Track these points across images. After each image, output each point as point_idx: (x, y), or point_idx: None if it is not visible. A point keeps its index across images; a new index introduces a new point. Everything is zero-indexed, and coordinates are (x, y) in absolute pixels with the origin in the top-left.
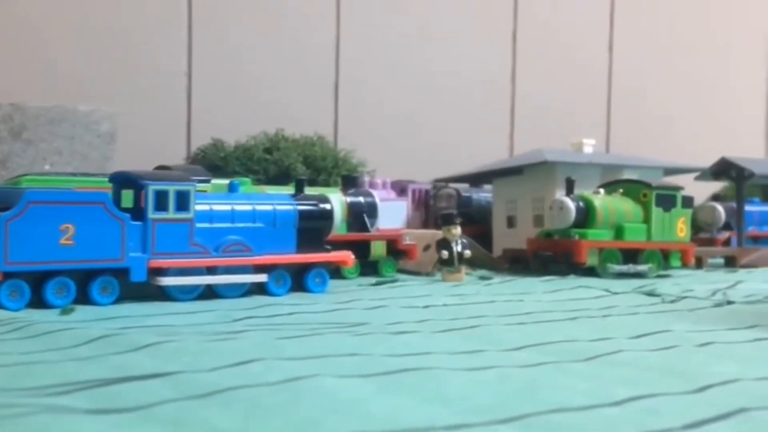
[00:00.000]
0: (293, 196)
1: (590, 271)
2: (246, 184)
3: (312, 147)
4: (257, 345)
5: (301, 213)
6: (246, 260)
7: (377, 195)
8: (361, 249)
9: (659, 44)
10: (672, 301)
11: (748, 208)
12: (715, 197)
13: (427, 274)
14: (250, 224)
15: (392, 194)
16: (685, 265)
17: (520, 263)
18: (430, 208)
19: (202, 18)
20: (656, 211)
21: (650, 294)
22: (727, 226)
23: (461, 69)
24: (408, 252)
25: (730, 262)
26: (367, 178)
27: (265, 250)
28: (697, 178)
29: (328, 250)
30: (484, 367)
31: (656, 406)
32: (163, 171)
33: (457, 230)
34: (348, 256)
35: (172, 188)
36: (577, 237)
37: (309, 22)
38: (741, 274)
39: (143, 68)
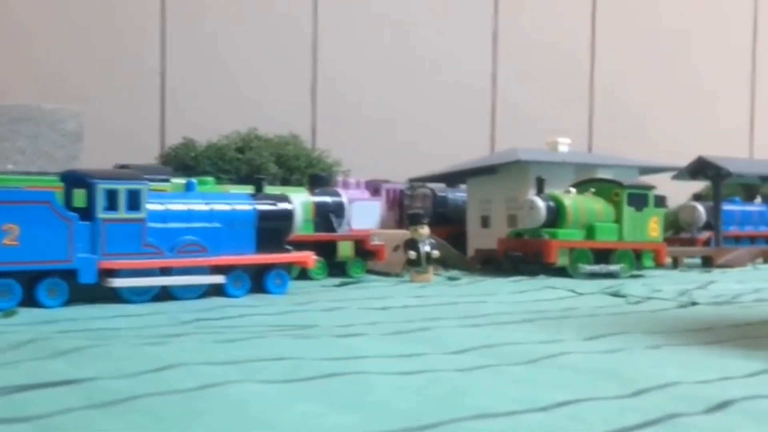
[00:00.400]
0: (253, 195)
1: (562, 272)
2: (209, 184)
3: (285, 146)
4: (188, 349)
5: (261, 213)
6: (201, 261)
7: (347, 195)
8: (328, 249)
9: (641, 45)
10: (636, 303)
11: (728, 207)
12: (696, 197)
13: (396, 275)
14: (206, 224)
15: (366, 194)
16: (658, 265)
17: (492, 264)
18: (404, 208)
19: (176, 16)
20: (628, 211)
21: (616, 295)
22: (707, 226)
23: (441, 69)
24: (376, 252)
25: (707, 262)
26: (340, 178)
27: (222, 250)
28: (674, 177)
29: (288, 251)
30: (417, 371)
31: (583, 412)
32: (113, 170)
33: (425, 230)
34: (309, 257)
35: (122, 187)
36: (547, 237)
37: (286, 21)
38: (715, 274)
39: (116, 67)
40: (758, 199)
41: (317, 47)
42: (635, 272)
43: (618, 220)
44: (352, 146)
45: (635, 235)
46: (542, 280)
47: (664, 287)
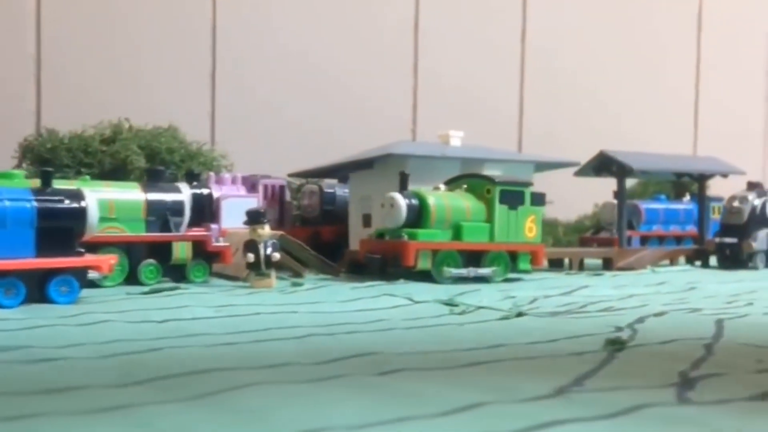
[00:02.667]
0: (35, 191)
1: (427, 276)
2: (17, 177)
3: (158, 138)
4: None
5: (42, 211)
6: None
7: (221, 190)
8: (164, 251)
9: (576, 30)
10: (461, 313)
11: (652, 206)
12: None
13: (244, 280)
14: None
15: (242, 190)
16: (539, 267)
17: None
18: (285, 204)
19: None
20: (500, 209)
21: (448, 304)
22: (628, 225)
23: (356, 57)
24: (221, 254)
25: (608, 264)
26: (211, 173)
27: None
28: (576, 174)
29: (80, 254)
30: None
31: None
32: None
33: (266, 230)
34: (104, 261)
35: None
36: (405, 237)
37: (183, 3)
38: (602, 278)
39: None
40: (687, 197)
41: (216, 33)
42: (510, 276)
43: (489, 219)
44: (254, 137)
45: (509, 236)
46: (386, 286)
47: (522, 293)
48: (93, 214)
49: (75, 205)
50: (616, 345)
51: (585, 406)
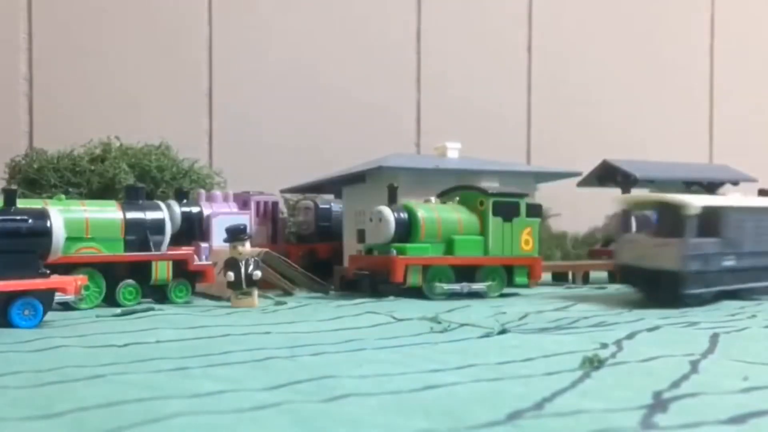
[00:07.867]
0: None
1: (420, 292)
2: None
3: (148, 156)
4: None
5: (2, 231)
6: None
7: (212, 208)
8: (144, 271)
9: (584, 36)
10: (442, 331)
11: None
12: None
13: (229, 299)
14: None
15: (234, 207)
16: (537, 281)
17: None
18: (278, 221)
19: (46, 16)
20: (494, 222)
21: (433, 321)
22: None
23: (357, 70)
24: (204, 273)
25: (614, 277)
26: (201, 191)
27: None
28: (579, 184)
29: (44, 275)
30: None
31: None
32: None
33: (246, 248)
34: (69, 282)
35: None
36: (394, 253)
37: (179, 21)
38: (604, 291)
39: None
40: None
41: (213, 51)
42: (507, 291)
43: (483, 232)
44: (253, 154)
45: (504, 249)
46: (372, 304)
47: (514, 309)
48: (58, 234)
49: (39, 224)
50: (593, 363)
51: None
